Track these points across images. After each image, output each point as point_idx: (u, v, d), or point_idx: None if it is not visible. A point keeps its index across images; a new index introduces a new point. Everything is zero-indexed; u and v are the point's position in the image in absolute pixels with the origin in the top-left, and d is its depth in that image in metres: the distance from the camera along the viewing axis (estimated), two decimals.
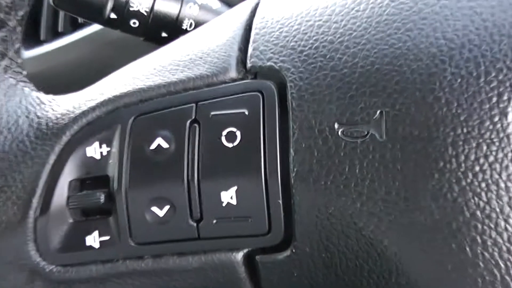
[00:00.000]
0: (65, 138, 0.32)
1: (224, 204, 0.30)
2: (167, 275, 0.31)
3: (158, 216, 0.30)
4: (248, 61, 0.31)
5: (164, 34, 0.49)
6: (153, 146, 0.30)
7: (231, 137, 0.30)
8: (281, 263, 0.30)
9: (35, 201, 0.32)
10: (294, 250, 0.29)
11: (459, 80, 0.27)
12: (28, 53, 0.64)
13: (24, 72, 0.36)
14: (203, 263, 0.31)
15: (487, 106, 0.27)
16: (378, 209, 0.28)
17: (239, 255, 0.31)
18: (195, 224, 0.30)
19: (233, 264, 0.31)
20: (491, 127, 0.26)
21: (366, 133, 0.28)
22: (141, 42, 0.50)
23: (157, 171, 0.30)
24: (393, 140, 0.28)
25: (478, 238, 0.26)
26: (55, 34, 0.64)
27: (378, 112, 0.28)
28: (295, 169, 0.29)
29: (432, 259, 0.27)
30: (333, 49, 0.29)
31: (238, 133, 0.30)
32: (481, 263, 0.27)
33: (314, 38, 0.30)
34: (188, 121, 0.30)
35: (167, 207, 0.30)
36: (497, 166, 0.26)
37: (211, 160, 0.30)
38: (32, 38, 0.65)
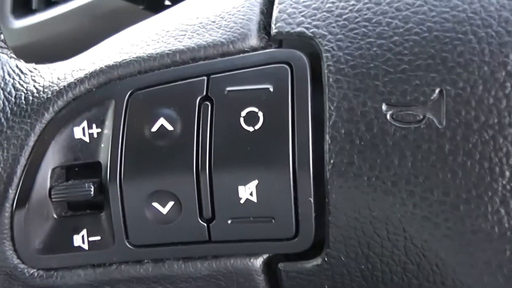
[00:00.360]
0: (47, 116, 0.26)
1: (242, 201, 0.24)
2: (170, 283, 0.26)
3: (161, 214, 0.25)
4: (272, 26, 0.25)
5: (167, 2, 0.43)
6: (154, 128, 0.25)
7: (251, 119, 0.24)
8: (309, 273, 0.25)
9: (12, 192, 0.26)
10: (326, 259, 0.24)
11: None
12: (18, 23, 0.59)
13: (2, 36, 0.30)
14: (214, 270, 0.26)
15: None
16: (433, 213, 0.23)
17: (258, 262, 0.25)
18: (205, 224, 0.25)
19: (251, 272, 0.25)
20: None
21: (421, 117, 0.23)
22: (137, 14, 0.45)
23: (159, 158, 0.25)
24: (455, 127, 0.22)
25: None
26: (47, 3, 0.59)
27: (437, 91, 0.23)
28: (331, 161, 0.23)
29: (499, 276, 0.22)
30: (380, 11, 0.24)
31: (260, 114, 0.24)
32: None
33: None
34: (198, 98, 0.25)
35: (171, 203, 0.25)
36: None
37: (227, 147, 0.24)
38: (23, 6, 0.60)
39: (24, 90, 0.27)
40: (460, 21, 0.23)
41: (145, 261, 0.26)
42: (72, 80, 0.27)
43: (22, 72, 0.29)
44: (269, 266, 0.26)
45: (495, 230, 0.22)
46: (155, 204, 0.25)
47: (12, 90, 0.27)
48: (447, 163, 0.23)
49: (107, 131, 0.26)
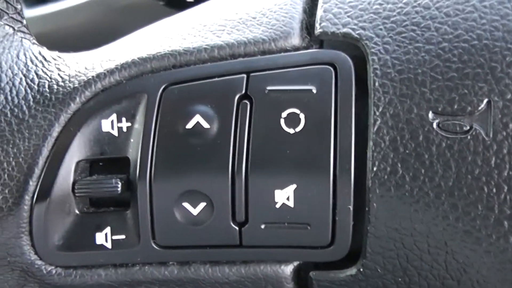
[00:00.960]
0: (73, 106, 0.25)
1: (278, 206, 0.23)
2: (194, 287, 0.25)
3: (191, 215, 0.24)
4: (317, 25, 0.24)
5: None
6: (189, 125, 0.24)
7: (292, 120, 0.23)
8: (342, 283, 0.24)
9: (32, 184, 0.25)
10: (361, 269, 0.23)
11: None
12: (28, 12, 0.57)
13: (24, 22, 0.29)
14: (242, 275, 0.25)
15: None
16: (476, 227, 0.22)
17: (289, 269, 0.25)
18: (237, 228, 0.24)
19: (280, 279, 0.25)
20: None
21: (468, 128, 0.22)
22: (157, 10, 0.44)
23: (193, 157, 0.24)
24: (501, 139, 0.22)
25: None
26: None
27: (484, 101, 0.22)
28: (374, 168, 0.22)
29: None
30: (429, 16, 0.23)
31: (302, 116, 0.23)
32: None
33: (404, 0, 0.24)
34: (237, 96, 0.24)
35: (202, 204, 0.24)
36: None
37: (265, 148, 0.23)
38: None
39: (48, 78, 0.26)
40: (510, 30, 0.22)
41: (170, 263, 0.25)
42: (101, 70, 0.26)
43: (45, 59, 0.27)
44: (298, 274, 0.25)
45: None
46: (186, 205, 0.24)
47: (35, 78, 0.26)
48: (493, 176, 0.22)
49: (138, 125, 0.25)
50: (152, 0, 0.48)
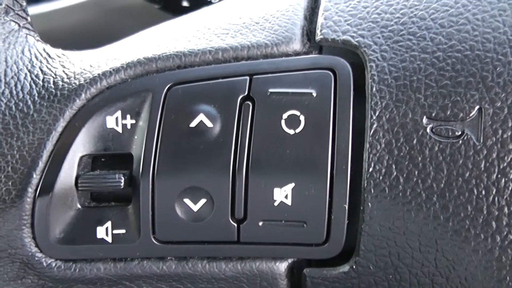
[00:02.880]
0: (79, 102, 0.26)
1: (276, 204, 0.24)
2: (191, 283, 0.26)
3: (191, 211, 0.25)
4: (317, 32, 0.25)
5: (185, 4, 0.43)
6: (193, 124, 0.25)
7: (293, 122, 0.24)
8: (334, 280, 0.25)
9: (36, 177, 0.25)
10: (354, 267, 0.24)
11: None
12: None
13: (29, 19, 0.30)
14: (238, 271, 0.25)
15: None
16: (465, 227, 0.23)
17: (283, 266, 0.25)
18: (235, 225, 0.25)
19: (275, 275, 0.25)
20: None
21: (460, 132, 0.23)
22: (151, 13, 0.45)
23: (195, 155, 0.24)
24: (491, 145, 0.23)
25: None
26: None
27: (476, 108, 0.23)
28: (369, 169, 0.24)
29: None
30: (425, 26, 0.24)
31: (302, 118, 0.24)
32: None
33: (401, 11, 0.25)
34: (240, 97, 0.25)
35: (203, 201, 0.25)
36: None
37: (266, 148, 0.24)
38: None
39: (53, 75, 0.27)
40: (501, 42, 0.24)
41: (169, 258, 0.26)
42: (107, 68, 0.26)
43: (50, 56, 0.28)
44: (292, 271, 0.26)
45: None
46: (187, 201, 0.25)
47: (40, 73, 0.27)
48: (482, 179, 0.23)
49: (142, 123, 0.25)
50: (147, 4, 0.49)
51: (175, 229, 0.25)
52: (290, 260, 0.25)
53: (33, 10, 0.57)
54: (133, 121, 0.25)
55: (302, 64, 0.25)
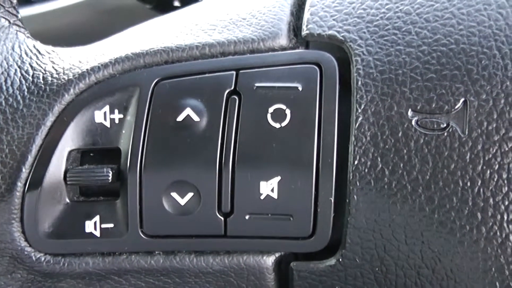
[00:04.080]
0: (67, 97, 0.26)
1: (262, 197, 0.24)
2: (179, 277, 0.26)
3: (178, 205, 0.25)
4: (303, 27, 0.26)
5: (177, 3, 0.43)
6: (180, 118, 0.25)
7: (279, 115, 0.24)
8: (321, 274, 0.25)
9: (25, 171, 0.25)
10: (340, 260, 0.24)
11: None
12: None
13: (19, 15, 0.30)
14: (225, 265, 0.25)
15: None
16: (451, 219, 0.23)
17: (270, 260, 0.25)
18: (222, 218, 0.25)
19: (262, 269, 0.25)
20: None
21: (445, 125, 0.23)
22: (143, 13, 0.45)
23: (182, 149, 0.25)
24: (476, 136, 0.23)
25: None
26: None
27: (461, 101, 0.23)
28: (355, 162, 0.24)
29: (511, 283, 0.23)
30: (410, 21, 0.25)
31: (287, 112, 0.24)
32: None
33: (386, 6, 0.25)
34: (226, 92, 0.25)
35: (190, 195, 0.25)
36: None
37: (252, 141, 0.24)
38: None
39: (42, 70, 0.27)
40: (485, 36, 0.24)
41: (156, 252, 0.26)
42: (95, 64, 0.27)
43: (39, 52, 0.28)
44: (279, 265, 0.26)
45: (510, 239, 0.23)
46: (174, 195, 0.25)
47: (30, 69, 0.27)
48: (467, 171, 0.23)
49: (130, 117, 0.25)
50: (139, 4, 0.49)
51: (162, 223, 0.25)
52: (277, 254, 0.26)
53: (26, 11, 0.58)
54: (121, 116, 0.26)
55: (288, 58, 0.25)
